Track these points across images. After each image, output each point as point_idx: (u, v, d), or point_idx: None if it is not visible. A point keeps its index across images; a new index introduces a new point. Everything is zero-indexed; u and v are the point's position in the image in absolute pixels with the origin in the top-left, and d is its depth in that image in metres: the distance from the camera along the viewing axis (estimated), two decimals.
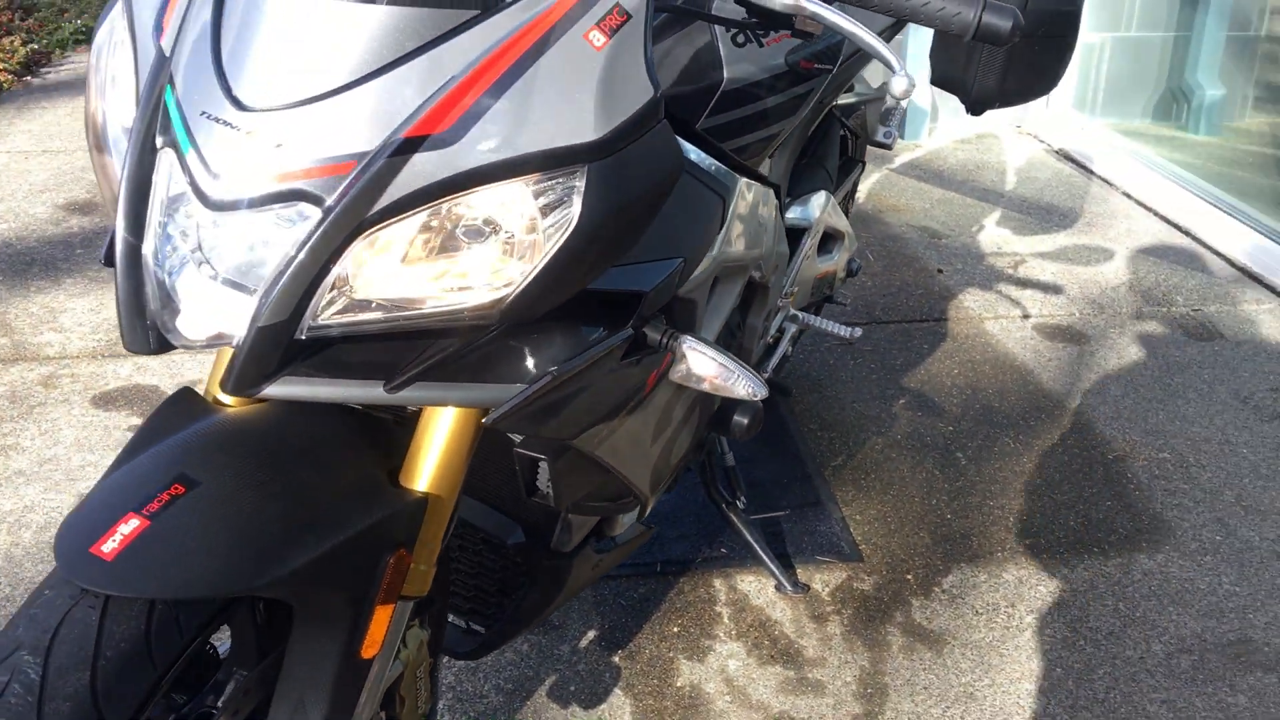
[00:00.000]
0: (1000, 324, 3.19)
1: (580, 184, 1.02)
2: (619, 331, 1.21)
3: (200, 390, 1.26)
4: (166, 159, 1.04)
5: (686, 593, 2.12)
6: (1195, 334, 3.16)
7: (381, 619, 1.19)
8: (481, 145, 0.99)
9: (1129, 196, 4.22)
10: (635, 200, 1.06)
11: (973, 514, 2.37)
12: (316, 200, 0.99)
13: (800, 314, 2.10)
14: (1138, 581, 2.18)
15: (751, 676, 1.93)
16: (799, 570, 2.18)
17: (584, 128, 1.02)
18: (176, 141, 1.03)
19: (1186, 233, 3.87)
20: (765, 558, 2.14)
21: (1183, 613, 2.10)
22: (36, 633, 1.03)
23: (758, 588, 2.13)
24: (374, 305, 1.03)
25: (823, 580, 2.16)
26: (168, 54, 1.07)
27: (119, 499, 1.07)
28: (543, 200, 1.01)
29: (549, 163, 1.00)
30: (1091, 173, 4.45)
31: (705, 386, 1.31)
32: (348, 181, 0.99)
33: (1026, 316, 3.24)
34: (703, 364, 1.30)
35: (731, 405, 1.64)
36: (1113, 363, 2.99)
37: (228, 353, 1.22)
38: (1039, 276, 3.50)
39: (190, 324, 1.05)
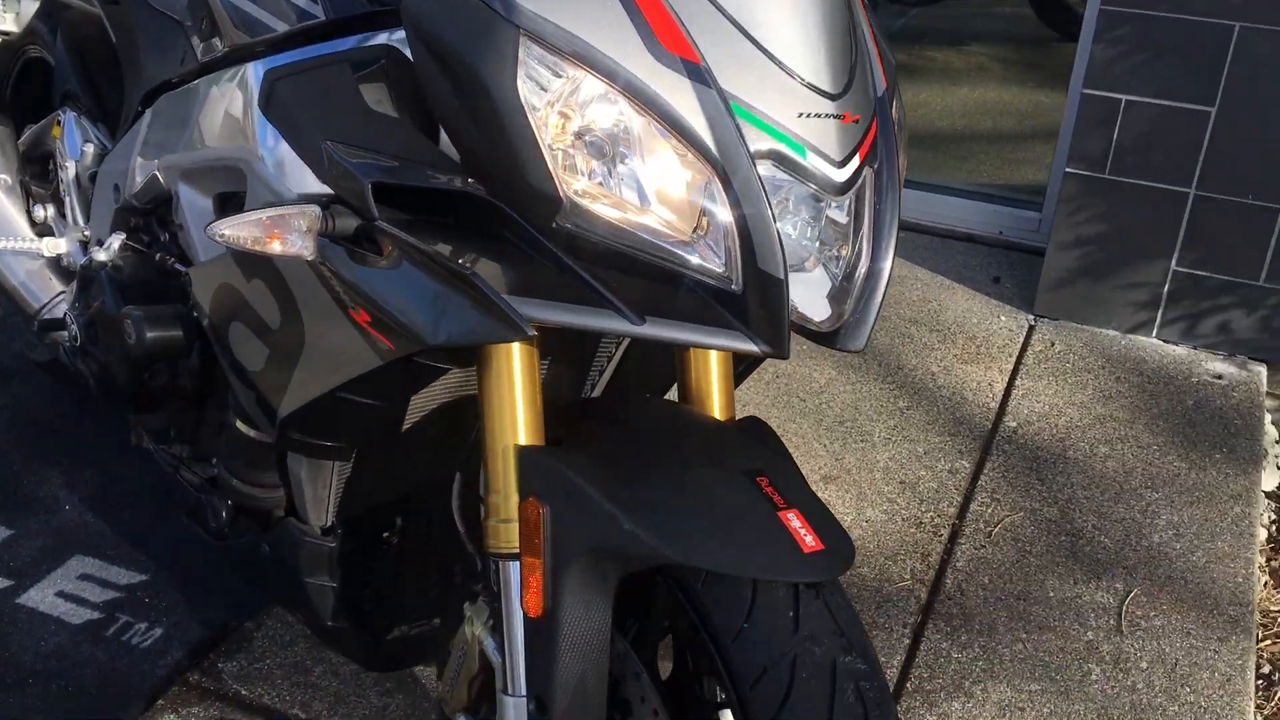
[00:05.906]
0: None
1: None
2: None
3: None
4: (768, 169, 1.06)
5: None
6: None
7: None
8: (885, 89, 1.20)
9: None
10: None
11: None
12: (871, 161, 1.14)
13: None
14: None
15: None
16: None
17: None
18: (782, 150, 1.06)
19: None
20: None
21: None
22: (812, 629, 1.12)
23: None
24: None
25: None
26: (706, 67, 1.04)
27: (743, 507, 1.14)
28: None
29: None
30: None
31: None
32: (879, 140, 1.15)
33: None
34: None
35: None
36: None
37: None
38: None
39: (815, 310, 1.12)
